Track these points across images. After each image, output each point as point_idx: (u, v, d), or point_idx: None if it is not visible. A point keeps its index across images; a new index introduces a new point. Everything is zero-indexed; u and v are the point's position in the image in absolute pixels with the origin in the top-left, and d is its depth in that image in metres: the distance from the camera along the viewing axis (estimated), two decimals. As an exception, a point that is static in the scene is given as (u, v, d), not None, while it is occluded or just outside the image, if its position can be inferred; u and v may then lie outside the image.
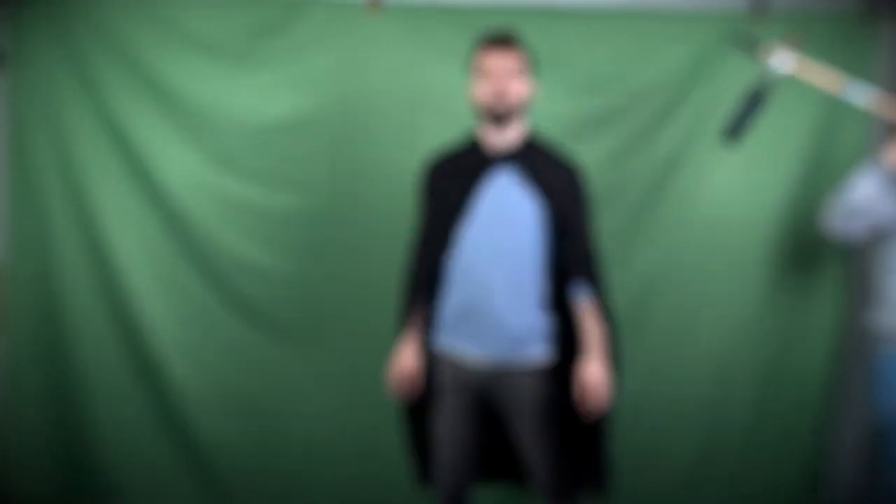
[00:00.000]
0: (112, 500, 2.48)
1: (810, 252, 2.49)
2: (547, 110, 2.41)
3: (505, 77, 1.78)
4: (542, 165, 1.84)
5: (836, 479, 2.58)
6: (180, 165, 2.44)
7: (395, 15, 2.42)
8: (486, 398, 1.87)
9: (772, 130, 2.42)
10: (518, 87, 1.81)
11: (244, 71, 2.42)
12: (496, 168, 1.82)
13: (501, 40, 1.80)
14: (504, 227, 1.80)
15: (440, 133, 2.38)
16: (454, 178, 1.84)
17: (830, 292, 2.49)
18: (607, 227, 2.45)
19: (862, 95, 1.98)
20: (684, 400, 2.52)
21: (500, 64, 1.78)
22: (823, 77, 1.99)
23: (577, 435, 1.87)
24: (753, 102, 1.97)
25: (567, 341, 1.89)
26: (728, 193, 2.49)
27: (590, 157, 2.42)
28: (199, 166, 2.44)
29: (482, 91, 1.80)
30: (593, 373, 1.79)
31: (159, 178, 2.44)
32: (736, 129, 1.98)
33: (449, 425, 1.85)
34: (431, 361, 1.90)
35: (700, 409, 2.52)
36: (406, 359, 1.89)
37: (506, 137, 1.84)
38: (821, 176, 2.45)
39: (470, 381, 1.85)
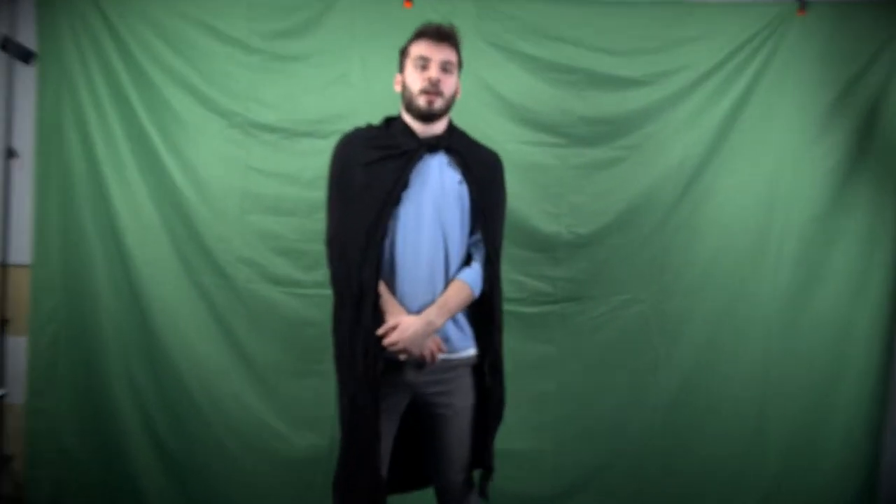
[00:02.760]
0: (136, 496, 2.44)
1: (860, 248, 2.43)
2: (574, 105, 2.37)
3: (442, 71, 1.72)
4: (469, 151, 1.80)
5: (889, 480, 2.52)
6: (209, 165, 2.40)
7: (427, 6, 2.38)
8: (414, 400, 1.79)
9: (809, 133, 2.40)
10: (453, 84, 1.76)
11: (274, 68, 2.38)
12: (427, 151, 1.75)
13: (443, 32, 1.74)
14: (444, 213, 1.74)
15: (476, 124, 2.28)
16: (384, 158, 1.73)
17: (881, 289, 2.43)
18: (645, 223, 2.41)
19: None
20: (725, 403, 2.47)
21: (440, 56, 1.72)
22: None
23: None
24: None
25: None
26: (771, 187, 2.44)
27: (616, 153, 2.40)
28: (228, 166, 2.39)
29: (414, 83, 1.73)
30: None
31: (185, 178, 2.40)
32: None
33: (384, 428, 1.74)
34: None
35: (741, 411, 2.47)
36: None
37: (433, 128, 1.78)
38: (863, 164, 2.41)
39: (404, 383, 1.75)
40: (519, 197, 2.39)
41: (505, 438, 2.33)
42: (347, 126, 2.26)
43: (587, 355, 2.46)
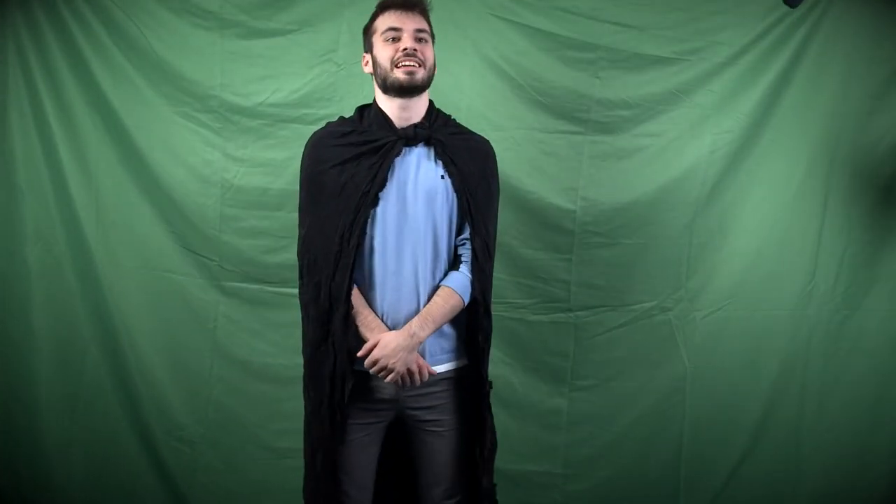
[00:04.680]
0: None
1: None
2: (592, 87, 2.19)
3: (417, 41, 1.61)
4: (454, 140, 1.67)
5: None
6: (182, 153, 2.21)
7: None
8: (399, 417, 1.67)
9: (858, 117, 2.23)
10: (431, 54, 1.64)
11: (252, 44, 2.19)
12: (405, 143, 1.62)
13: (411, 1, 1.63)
14: (427, 212, 1.61)
15: (480, 108, 2.20)
16: (358, 156, 1.60)
17: None
18: (672, 221, 2.25)
19: None
20: (762, 426, 2.33)
21: (412, 25, 1.60)
22: None
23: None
24: None
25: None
26: (815, 179, 2.27)
27: (638, 141, 2.23)
28: (205, 155, 2.21)
29: (388, 58, 1.60)
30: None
31: (156, 167, 2.21)
32: None
33: (360, 449, 1.65)
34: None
35: (779, 437, 2.32)
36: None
37: (413, 113, 1.64)
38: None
39: (385, 400, 1.64)
40: (528, 191, 2.23)
41: (512, 460, 2.27)
42: (337, 110, 2.14)
43: (604, 370, 2.29)
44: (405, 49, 1.57)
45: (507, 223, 2.16)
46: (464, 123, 1.86)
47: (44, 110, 2.18)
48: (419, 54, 1.58)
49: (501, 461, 2.17)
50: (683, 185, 2.24)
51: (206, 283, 2.24)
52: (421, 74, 1.59)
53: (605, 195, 2.23)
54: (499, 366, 2.08)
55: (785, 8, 2.13)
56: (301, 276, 1.64)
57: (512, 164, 2.18)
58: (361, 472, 1.67)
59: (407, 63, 1.57)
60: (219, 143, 2.21)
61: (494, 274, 1.80)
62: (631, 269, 2.26)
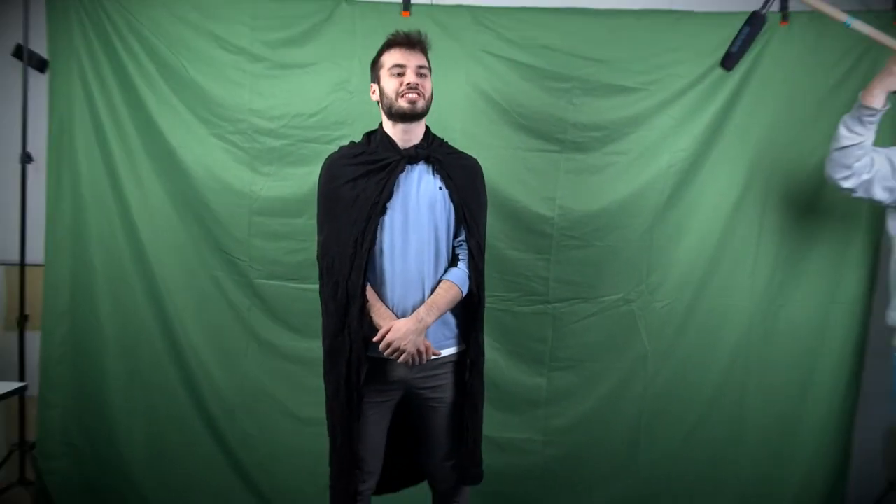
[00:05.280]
0: (136, 493, 2.51)
1: (835, 248, 2.47)
2: (567, 112, 2.39)
3: (419, 76, 1.79)
4: (449, 159, 1.85)
5: (857, 476, 2.58)
6: (219, 168, 2.44)
7: (424, 15, 2.41)
8: (406, 395, 1.86)
9: (791, 137, 2.43)
10: (430, 86, 1.83)
11: (277, 75, 2.41)
12: (408, 162, 1.81)
13: (414, 39, 1.81)
14: (429, 218, 1.80)
15: (471, 130, 2.37)
16: (368, 173, 1.79)
17: (853, 291, 2.47)
18: (635, 225, 2.45)
19: (861, 25, 1.94)
20: (706, 397, 2.52)
21: (414, 62, 1.79)
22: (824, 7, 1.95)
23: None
24: (752, 33, 1.94)
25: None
26: (754, 189, 2.47)
27: (607, 159, 2.41)
28: (237, 169, 2.44)
29: (393, 89, 1.79)
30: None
31: (198, 180, 2.44)
32: (732, 57, 1.98)
33: (373, 424, 1.83)
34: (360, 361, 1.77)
35: (718, 407, 2.52)
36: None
37: (413, 136, 1.84)
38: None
39: (396, 380, 1.82)
40: (513, 200, 2.43)
41: (499, 429, 2.47)
42: (349, 132, 2.36)
43: (578, 353, 2.50)
44: (409, 83, 1.78)
45: (494, 228, 2.36)
46: (458, 143, 2.07)
47: (104, 133, 2.43)
48: (420, 87, 1.79)
49: (490, 430, 2.35)
50: (645, 195, 2.42)
51: (239, 279, 2.48)
52: (421, 104, 1.79)
53: (579, 204, 2.42)
54: (488, 350, 2.16)
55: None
56: (321, 277, 1.82)
57: (499, 178, 2.37)
58: (374, 443, 1.85)
59: (410, 94, 1.78)
60: (248, 160, 2.43)
61: (484, 272, 2.00)
62: (600, 267, 2.45)
